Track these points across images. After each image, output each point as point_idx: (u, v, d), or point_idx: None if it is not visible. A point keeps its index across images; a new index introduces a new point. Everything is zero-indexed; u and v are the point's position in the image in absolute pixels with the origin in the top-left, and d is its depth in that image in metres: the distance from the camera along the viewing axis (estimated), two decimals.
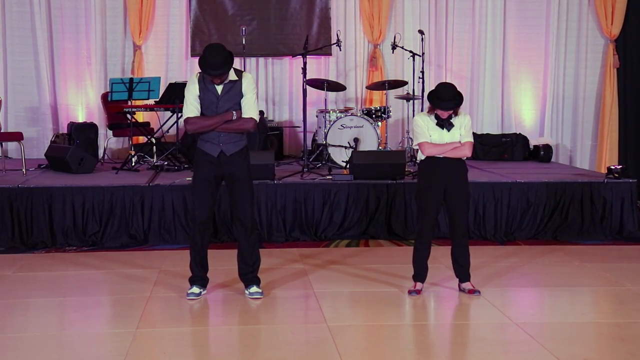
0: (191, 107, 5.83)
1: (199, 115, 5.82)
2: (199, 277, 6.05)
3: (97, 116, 10.87)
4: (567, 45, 11.40)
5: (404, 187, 8.24)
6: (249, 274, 6.04)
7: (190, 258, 6.03)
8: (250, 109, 5.84)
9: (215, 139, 5.83)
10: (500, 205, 8.27)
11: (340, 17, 11.27)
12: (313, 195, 8.20)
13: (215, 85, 5.79)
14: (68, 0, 10.92)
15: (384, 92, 10.43)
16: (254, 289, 6.02)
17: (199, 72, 5.84)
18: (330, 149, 9.45)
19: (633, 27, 11.35)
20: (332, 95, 10.87)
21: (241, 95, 5.83)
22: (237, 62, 10.03)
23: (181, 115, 9.59)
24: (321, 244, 7.99)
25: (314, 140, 10.37)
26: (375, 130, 9.49)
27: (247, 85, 5.85)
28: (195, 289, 6.02)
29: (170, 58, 11.17)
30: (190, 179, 8.05)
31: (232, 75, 5.82)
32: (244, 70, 6.31)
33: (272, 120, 11.12)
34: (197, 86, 5.81)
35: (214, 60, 5.66)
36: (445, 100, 5.86)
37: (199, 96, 5.80)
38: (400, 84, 10.33)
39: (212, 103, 5.79)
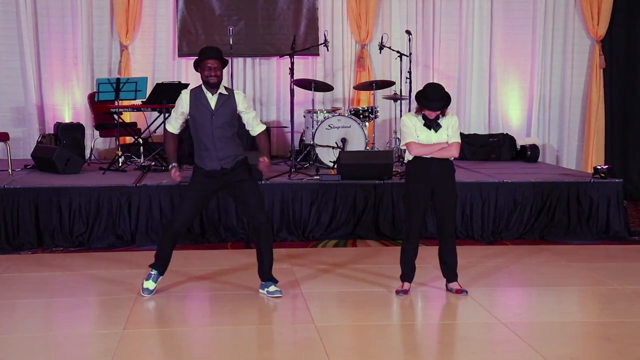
0: (173, 121, 5.98)
1: (176, 129, 5.95)
2: (161, 268, 6.10)
3: (84, 116, 10.82)
4: (553, 45, 11.44)
5: (391, 187, 8.25)
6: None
7: (156, 257, 6.08)
8: (258, 122, 6.04)
9: (214, 157, 5.84)
10: (488, 205, 8.30)
11: (328, 17, 11.26)
12: (301, 195, 8.20)
13: (209, 99, 5.81)
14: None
15: (372, 92, 10.43)
16: (272, 287, 6.06)
17: (192, 89, 5.91)
18: (317, 149, 9.45)
19: (619, 28, 11.40)
20: (319, 95, 10.86)
21: (236, 110, 5.89)
22: None
23: (169, 115, 9.64)
24: (309, 244, 7.99)
25: (301, 140, 10.36)
26: (363, 130, 9.50)
27: (243, 100, 5.92)
28: (151, 284, 6.05)
29: (157, 58, 11.13)
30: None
31: (221, 89, 5.88)
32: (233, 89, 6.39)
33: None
34: (185, 103, 5.86)
35: None
36: (433, 101, 5.87)
37: (190, 113, 5.86)
38: (388, 84, 10.33)
39: (207, 120, 5.81)
